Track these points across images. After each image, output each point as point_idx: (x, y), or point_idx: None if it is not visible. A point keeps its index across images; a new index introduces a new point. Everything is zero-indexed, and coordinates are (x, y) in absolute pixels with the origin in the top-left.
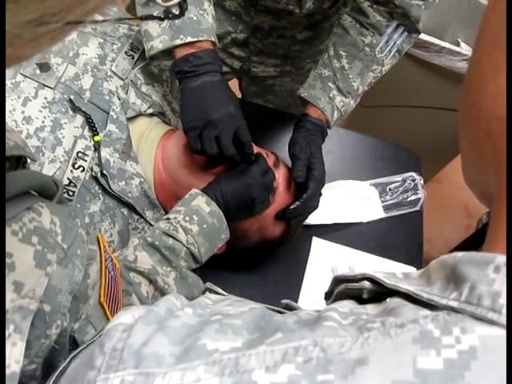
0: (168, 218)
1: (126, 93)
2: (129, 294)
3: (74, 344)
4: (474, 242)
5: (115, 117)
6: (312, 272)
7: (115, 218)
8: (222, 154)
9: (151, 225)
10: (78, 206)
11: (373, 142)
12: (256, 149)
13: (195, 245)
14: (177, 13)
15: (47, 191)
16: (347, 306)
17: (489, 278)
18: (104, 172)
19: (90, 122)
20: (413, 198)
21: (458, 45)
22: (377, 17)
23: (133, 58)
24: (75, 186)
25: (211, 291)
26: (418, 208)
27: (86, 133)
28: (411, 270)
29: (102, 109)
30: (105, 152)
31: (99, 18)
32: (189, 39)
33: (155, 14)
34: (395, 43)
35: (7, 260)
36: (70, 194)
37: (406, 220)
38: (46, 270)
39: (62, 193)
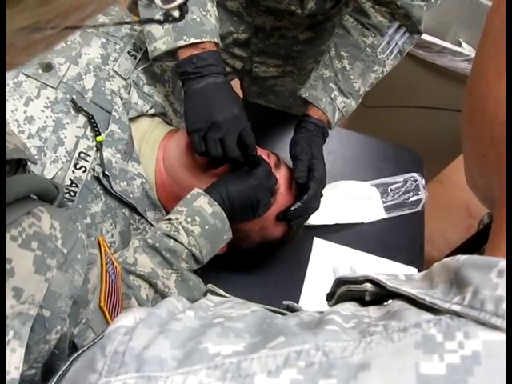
0: (169, 219)
1: (129, 93)
2: (128, 297)
3: (74, 349)
4: (476, 242)
5: (117, 117)
6: (313, 272)
7: (116, 218)
8: (227, 156)
9: (152, 225)
10: (80, 206)
11: (374, 142)
12: (257, 150)
13: (197, 246)
14: (177, 16)
15: (47, 195)
16: (349, 308)
17: (492, 283)
18: (106, 172)
19: (92, 122)
20: (414, 198)
21: (459, 45)
22: (378, 17)
23: (135, 58)
24: (77, 186)
25: (212, 293)
26: (419, 209)
27: (88, 133)
28: (412, 270)
29: (104, 109)
30: (107, 152)
31: (100, 19)
32: (192, 40)
33: (157, 16)
34: (397, 44)
35: (6, 266)
36: (72, 194)
37: (407, 221)
38: (46, 276)
39: (62, 196)
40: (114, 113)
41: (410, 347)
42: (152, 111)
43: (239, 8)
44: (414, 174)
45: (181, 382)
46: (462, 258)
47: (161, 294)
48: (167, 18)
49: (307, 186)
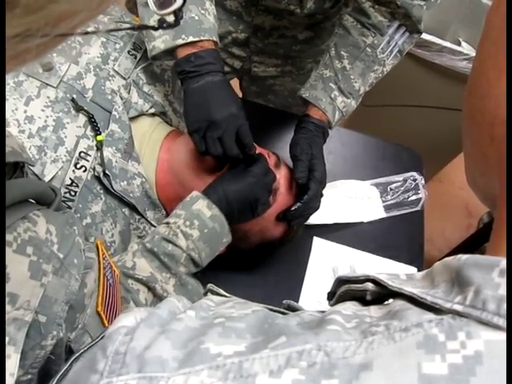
0: (168, 223)
1: (129, 92)
2: (127, 301)
3: (70, 354)
4: (475, 241)
5: (117, 116)
6: (313, 272)
7: (116, 218)
8: (226, 155)
9: (152, 225)
10: (80, 205)
11: (374, 141)
12: (257, 149)
13: (196, 250)
14: (172, 21)
15: (44, 199)
16: (350, 308)
17: (494, 283)
18: (107, 172)
19: (92, 122)
20: (414, 197)
21: (459, 44)
22: (378, 17)
23: (135, 58)
24: (77, 186)
25: (213, 292)
26: (418, 208)
27: (89, 132)
28: (412, 270)
29: (105, 108)
30: (107, 152)
31: (100, 18)
32: (191, 39)
33: (152, 21)
34: (396, 43)
35: None
36: (72, 194)
37: (406, 220)
38: (42, 281)
39: (60, 200)
40: (114, 112)
41: (411, 347)
42: (152, 111)
43: (238, 7)
44: (414, 173)
45: (182, 383)
46: (464, 257)
47: (159, 298)
48: (162, 24)
49: (307, 186)
